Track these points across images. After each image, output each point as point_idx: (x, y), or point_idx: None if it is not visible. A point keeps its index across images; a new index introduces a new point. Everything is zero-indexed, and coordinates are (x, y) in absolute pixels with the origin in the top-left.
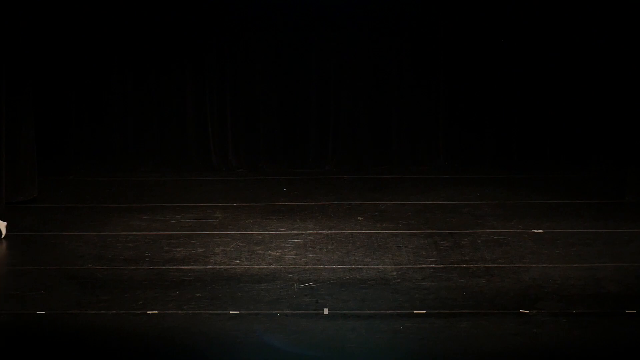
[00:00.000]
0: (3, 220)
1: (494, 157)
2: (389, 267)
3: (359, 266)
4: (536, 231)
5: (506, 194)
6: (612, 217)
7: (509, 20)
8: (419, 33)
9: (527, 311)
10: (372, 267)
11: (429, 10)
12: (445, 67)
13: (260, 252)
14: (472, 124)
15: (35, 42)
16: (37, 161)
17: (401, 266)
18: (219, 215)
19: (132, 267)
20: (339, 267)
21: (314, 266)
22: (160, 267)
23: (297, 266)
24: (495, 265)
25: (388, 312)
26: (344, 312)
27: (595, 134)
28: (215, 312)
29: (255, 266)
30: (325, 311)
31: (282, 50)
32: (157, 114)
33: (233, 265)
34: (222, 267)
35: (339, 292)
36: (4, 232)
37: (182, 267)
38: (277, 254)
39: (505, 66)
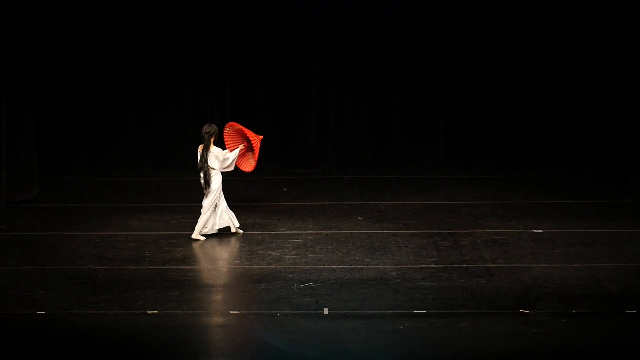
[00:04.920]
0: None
1: (494, 157)
2: (389, 267)
3: (359, 266)
4: (536, 231)
5: (506, 194)
6: (612, 217)
7: (509, 21)
8: (419, 33)
9: (527, 311)
10: (372, 267)
11: (429, 10)
12: (445, 68)
13: (260, 252)
14: (472, 124)
15: (35, 43)
16: (37, 161)
17: (401, 266)
18: None
19: (132, 267)
20: (339, 267)
21: (314, 266)
22: (160, 267)
23: (297, 266)
24: (495, 265)
25: (388, 312)
26: (344, 312)
27: (595, 135)
28: (215, 312)
29: (255, 266)
30: (325, 311)
31: (282, 50)
32: (157, 114)
33: (233, 265)
34: (221, 267)
35: (339, 292)
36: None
37: (182, 267)
38: (277, 254)
39: (505, 67)
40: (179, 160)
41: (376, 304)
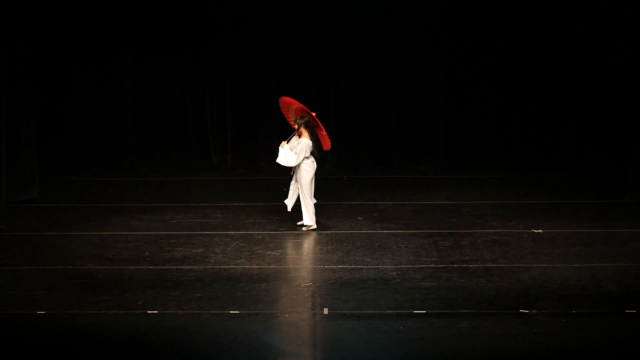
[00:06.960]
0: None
1: (494, 157)
2: (389, 267)
3: (359, 266)
4: (536, 231)
5: (506, 194)
6: (612, 217)
7: (509, 21)
8: (419, 33)
9: (527, 311)
10: (372, 267)
11: (429, 10)
12: (445, 68)
13: (260, 252)
14: (472, 124)
15: (35, 43)
16: (37, 161)
17: (401, 266)
18: (219, 215)
19: (132, 267)
20: (339, 267)
21: (314, 266)
22: (160, 267)
23: (297, 266)
24: (495, 265)
25: (388, 312)
26: (344, 312)
27: (595, 135)
28: (215, 312)
29: (255, 266)
30: (325, 311)
31: (282, 50)
32: (157, 114)
33: (233, 265)
34: (222, 267)
35: (339, 292)
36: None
37: (182, 267)
38: (277, 254)
39: (505, 67)
40: (179, 160)
41: (376, 304)
